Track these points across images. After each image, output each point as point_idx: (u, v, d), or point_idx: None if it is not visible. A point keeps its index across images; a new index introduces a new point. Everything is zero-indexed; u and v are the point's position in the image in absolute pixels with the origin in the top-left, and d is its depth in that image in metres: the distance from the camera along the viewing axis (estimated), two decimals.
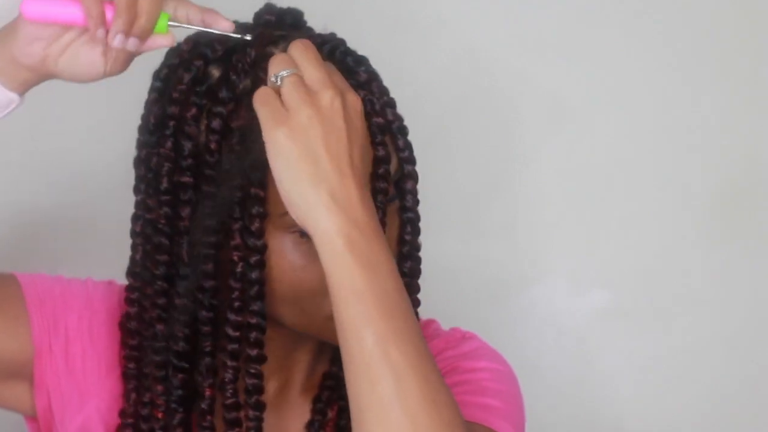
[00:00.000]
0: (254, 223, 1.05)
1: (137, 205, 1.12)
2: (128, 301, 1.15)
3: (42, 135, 1.59)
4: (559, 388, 1.71)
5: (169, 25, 1.04)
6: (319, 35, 1.10)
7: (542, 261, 1.70)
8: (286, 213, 1.03)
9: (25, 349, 1.16)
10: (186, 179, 1.07)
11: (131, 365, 1.15)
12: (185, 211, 1.08)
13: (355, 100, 1.00)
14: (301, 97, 0.98)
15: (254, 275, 1.06)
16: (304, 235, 1.05)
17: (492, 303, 1.69)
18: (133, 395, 1.14)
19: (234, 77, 1.06)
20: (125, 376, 1.15)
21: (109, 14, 1.02)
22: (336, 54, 1.08)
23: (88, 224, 1.54)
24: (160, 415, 1.12)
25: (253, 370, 1.08)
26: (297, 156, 0.96)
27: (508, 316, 1.70)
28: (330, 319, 1.06)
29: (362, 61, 1.10)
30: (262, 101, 0.99)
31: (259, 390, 1.08)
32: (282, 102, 0.99)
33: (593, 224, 1.69)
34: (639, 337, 1.71)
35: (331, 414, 1.16)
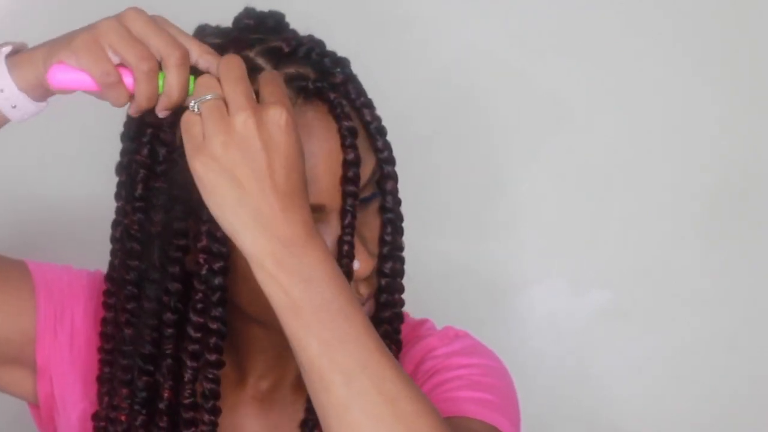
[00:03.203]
0: (219, 229, 1.04)
1: (117, 211, 1.13)
2: (105, 305, 1.16)
3: (43, 128, 1.59)
4: (558, 388, 1.71)
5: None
6: (296, 37, 1.10)
7: (542, 261, 1.70)
8: None
9: (27, 332, 1.17)
10: (160, 184, 1.08)
11: (105, 369, 1.16)
12: (158, 216, 1.08)
13: (277, 115, 0.97)
14: (216, 124, 0.97)
15: (217, 281, 1.06)
16: None
17: (492, 303, 1.69)
18: (106, 398, 1.16)
19: None
20: (99, 380, 1.16)
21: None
22: (312, 56, 1.08)
23: (91, 219, 1.54)
24: (123, 418, 1.13)
25: (210, 375, 1.08)
26: (215, 183, 0.96)
27: (507, 316, 1.70)
28: None
29: (340, 62, 1.10)
30: (184, 129, 0.98)
31: (216, 395, 1.09)
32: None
33: (593, 224, 1.69)
34: (638, 337, 1.71)
35: None
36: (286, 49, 1.08)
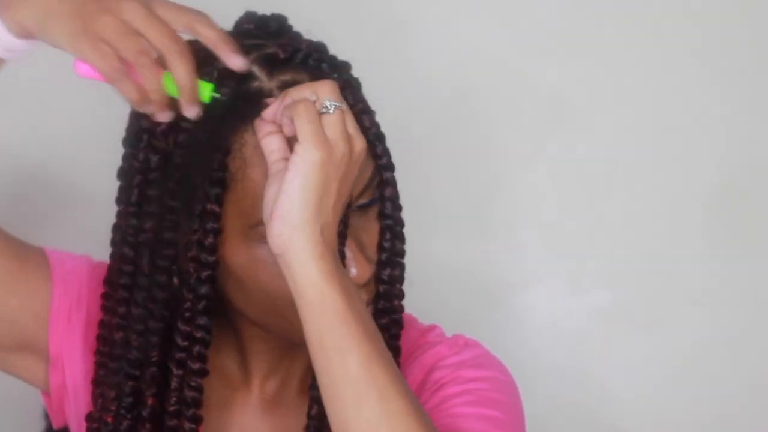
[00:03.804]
0: (208, 239, 1.05)
1: (117, 214, 1.13)
2: (103, 309, 1.16)
3: (42, 125, 1.59)
4: (558, 388, 1.71)
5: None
6: (293, 43, 1.09)
7: (542, 261, 1.70)
8: (257, 225, 1.05)
9: (40, 318, 1.17)
10: (152, 192, 1.08)
11: (100, 372, 1.16)
12: (149, 224, 1.08)
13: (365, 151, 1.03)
14: (344, 135, 1.00)
15: (203, 290, 1.07)
16: None
17: (492, 303, 1.69)
18: (99, 400, 1.16)
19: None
20: (93, 382, 1.16)
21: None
22: (309, 62, 1.08)
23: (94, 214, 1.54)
24: (110, 419, 1.14)
25: (194, 383, 1.09)
26: (317, 182, 0.98)
27: (508, 316, 1.70)
28: None
29: (339, 67, 1.10)
30: (309, 117, 0.99)
31: (197, 403, 1.10)
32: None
33: (593, 224, 1.69)
34: (638, 337, 1.71)
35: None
36: (282, 56, 1.07)
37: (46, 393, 1.21)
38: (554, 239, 1.69)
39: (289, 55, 1.07)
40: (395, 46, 1.62)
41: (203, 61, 1.05)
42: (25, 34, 1.04)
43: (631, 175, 1.68)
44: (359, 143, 1.02)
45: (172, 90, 1.02)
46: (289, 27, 1.12)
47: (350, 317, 0.98)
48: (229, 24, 1.12)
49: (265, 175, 1.04)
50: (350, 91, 1.08)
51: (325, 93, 1.01)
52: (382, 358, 0.98)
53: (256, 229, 1.05)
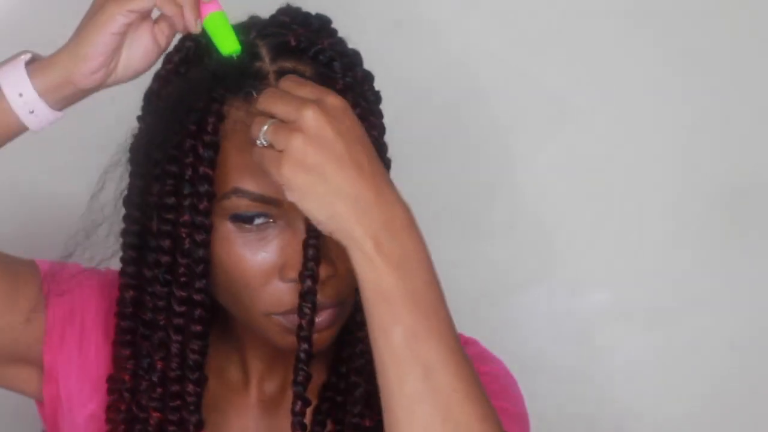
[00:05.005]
0: (202, 202, 1.06)
1: (130, 175, 1.14)
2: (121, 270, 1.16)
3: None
4: (558, 388, 1.71)
5: None
6: (309, 36, 1.09)
7: (542, 261, 1.70)
8: (224, 197, 1.05)
9: (35, 331, 1.17)
10: (157, 156, 1.08)
11: (117, 330, 1.15)
12: (155, 188, 1.09)
13: (335, 101, 0.98)
14: (284, 133, 0.97)
15: (200, 253, 1.07)
16: (236, 221, 1.06)
17: (492, 303, 1.69)
18: (118, 360, 1.15)
19: (207, 60, 1.07)
20: (113, 341, 1.16)
21: None
22: (320, 57, 1.08)
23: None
24: (126, 378, 1.14)
25: (195, 346, 1.09)
26: (305, 183, 0.96)
27: (508, 316, 1.70)
28: (267, 316, 1.07)
29: (353, 72, 1.09)
30: (259, 156, 0.99)
31: (200, 366, 1.10)
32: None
33: (593, 224, 1.69)
34: (639, 337, 1.71)
35: (330, 426, 1.15)
36: (293, 44, 1.08)
37: (41, 403, 1.21)
38: (554, 239, 1.69)
39: (300, 45, 1.08)
40: (396, 46, 1.62)
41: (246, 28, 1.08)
42: (66, 93, 1.07)
43: (631, 175, 1.68)
44: (329, 100, 0.98)
45: (212, 27, 1.05)
46: (333, 30, 1.12)
47: (396, 293, 0.95)
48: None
49: (237, 149, 1.05)
50: (351, 95, 1.07)
51: (253, 134, 1.00)
52: (430, 334, 0.96)
53: (221, 202, 1.06)
